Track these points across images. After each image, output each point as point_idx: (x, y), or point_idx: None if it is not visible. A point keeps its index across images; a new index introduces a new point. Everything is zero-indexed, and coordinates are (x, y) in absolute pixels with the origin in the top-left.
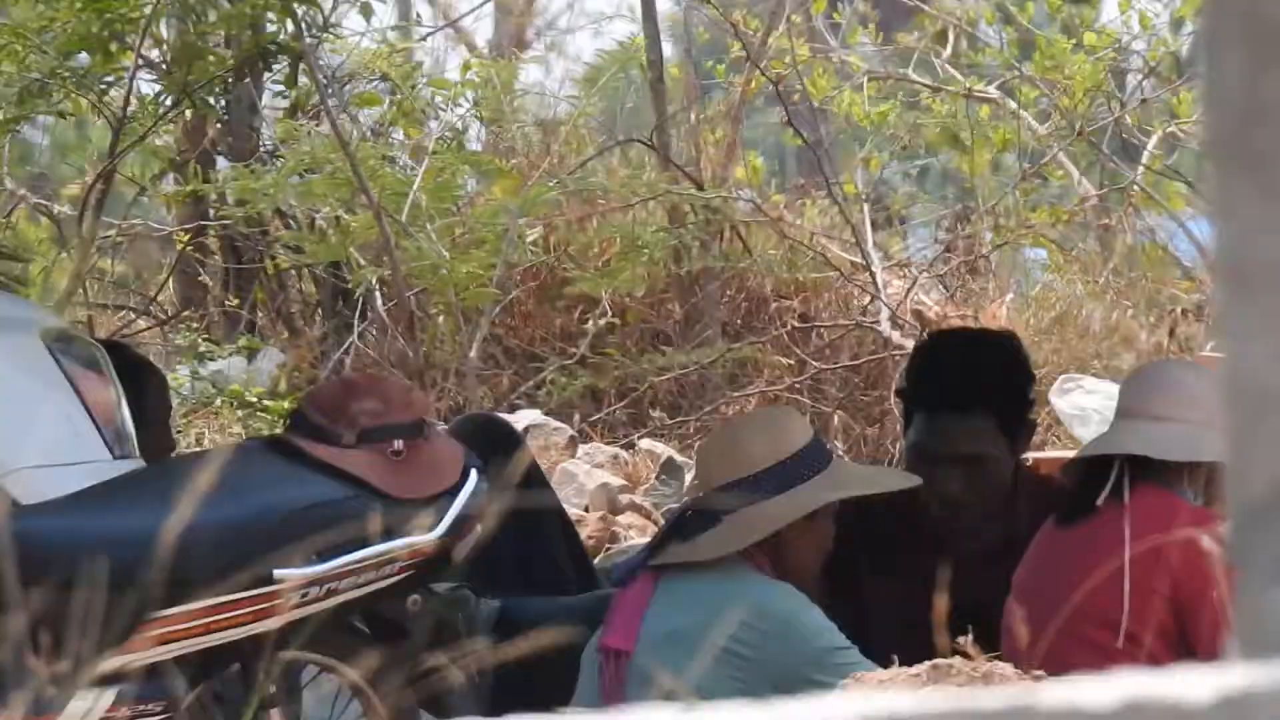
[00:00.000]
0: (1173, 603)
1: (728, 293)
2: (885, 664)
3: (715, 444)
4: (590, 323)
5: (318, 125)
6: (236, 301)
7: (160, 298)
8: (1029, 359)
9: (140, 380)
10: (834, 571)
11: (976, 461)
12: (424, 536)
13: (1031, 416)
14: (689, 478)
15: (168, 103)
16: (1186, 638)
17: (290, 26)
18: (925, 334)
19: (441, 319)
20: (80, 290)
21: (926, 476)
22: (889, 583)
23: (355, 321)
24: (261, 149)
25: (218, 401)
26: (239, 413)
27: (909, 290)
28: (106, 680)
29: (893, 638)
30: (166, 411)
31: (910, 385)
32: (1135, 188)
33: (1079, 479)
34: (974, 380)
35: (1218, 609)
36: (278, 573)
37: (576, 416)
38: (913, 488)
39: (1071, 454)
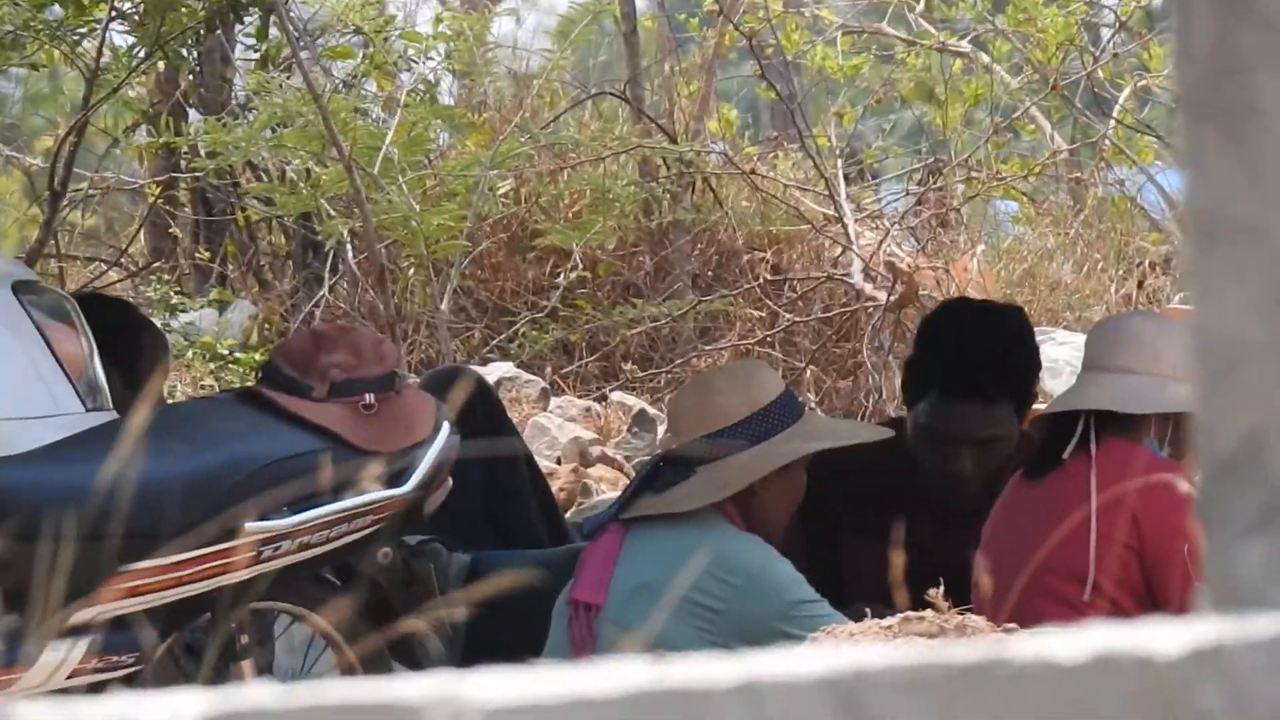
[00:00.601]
0: (1140, 556)
1: (699, 245)
2: (859, 619)
3: (687, 396)
4: (561, 275)
5: (289, 78)
6: (207, 254)
7: (131, 250)
8: (1034, 333)
9: (138, 341)
10: (812, 526)
11: (991, 443)
12: (395, 490)
13: (1037, 389)
14: (661, 430)
15: (141, 54)
16: (1154, 591)
17: None
18: (938, 307)
19: (412, 271)
20: (51, 242)
21: (937, 456)
22: (868, 539)
23: (326, 274)
24: (233, 101)
25: (190, 354)
26: (210, 365)
27: (881, 242)
28: (77, 631)
29: (871, 593)
30: (163, 373)
31: (924, 364)
32: (1106, 141)
33: (1045, 433)
34: (995, 367)
35: (1186, 563)
36: (248, 525)
37: (548, 369)
38: (911, 459)
39: (1039, 409)
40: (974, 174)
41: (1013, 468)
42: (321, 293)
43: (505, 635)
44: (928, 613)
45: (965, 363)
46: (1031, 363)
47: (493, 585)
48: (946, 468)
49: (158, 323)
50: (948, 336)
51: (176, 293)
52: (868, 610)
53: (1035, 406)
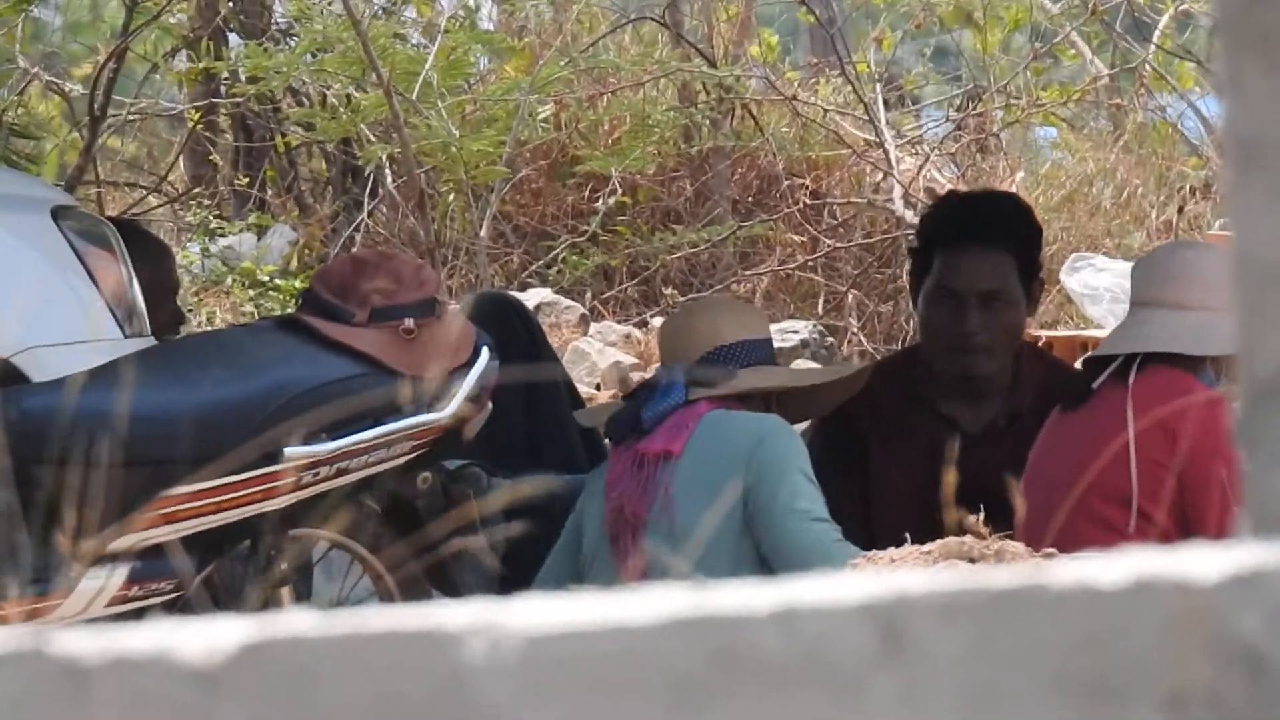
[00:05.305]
0: (1179, 479)
1: (739, 171)
2: (898, 543)
3: (694, 316)
4: (601, 201)
5: (330, 3)
6: (247, 179)
7: (171, 176)
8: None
9: (149, 256)
10: (843, 453)
11: (994, 297)
12: (435, 414)
13: (1041, 265)
14: None
15: None
16: (1189, 514)
17: None
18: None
19: (452, 197)
20: (91, 168)
21: (946, 314)
22: (897, 465)
23: (365, 199)
24: (274, 27)
25: (229, 280)
26: (250, 292)
27: (920, 168)
28: (116, 559)
29: (902, 520)
30: (175, 286)
31: (926, 231)
32: (1146, 66)
33: (1091, 363)
34: (992, 215)
35: (1224, 486)
36: (288, 451)
37: (588, 294)
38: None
39: (1082, 334)
40: (1013, 100)
41: (1030, 381)
42: (361, 218)
43: (544, 558)
44: (966, 538)
45: (962, 215)
46: (1026, 219)
47: (513, 492)
48: (953, 330)
49: (195, 247)
50: (943, 206)
51: (216, 217)
52: (907, 535)
53: (1079, 333)
